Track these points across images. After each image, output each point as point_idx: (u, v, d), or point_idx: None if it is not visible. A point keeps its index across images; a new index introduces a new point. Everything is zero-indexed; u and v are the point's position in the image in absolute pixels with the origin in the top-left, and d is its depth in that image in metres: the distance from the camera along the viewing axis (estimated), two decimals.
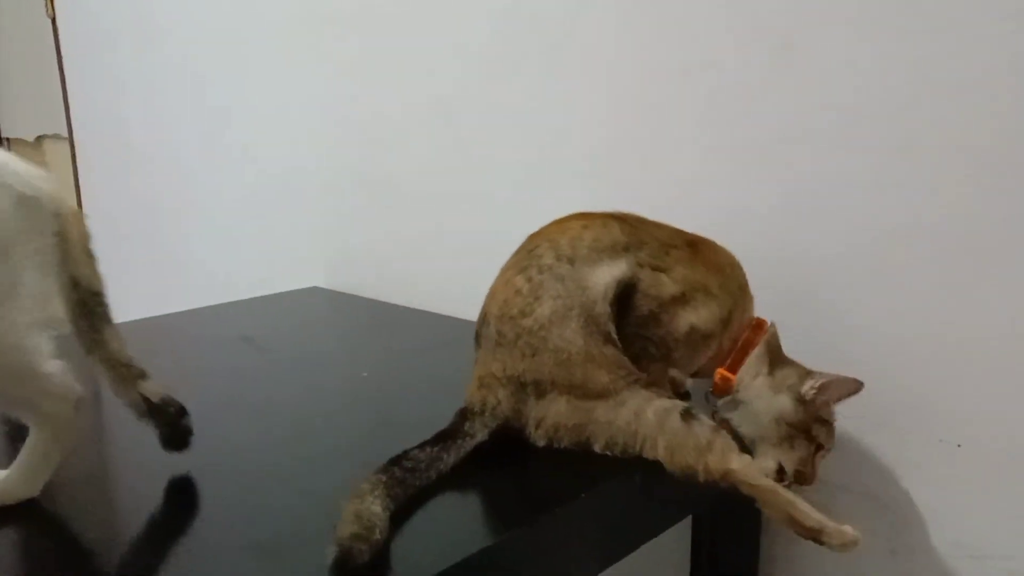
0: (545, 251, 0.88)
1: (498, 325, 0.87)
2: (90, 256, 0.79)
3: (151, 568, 0.68)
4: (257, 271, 1.95)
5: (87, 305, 0.78)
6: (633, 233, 0.89)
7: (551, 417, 0.85)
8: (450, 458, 0.81)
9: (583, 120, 1.24)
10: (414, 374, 1.17)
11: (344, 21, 1.60)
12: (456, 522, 0.75)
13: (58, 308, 0.75)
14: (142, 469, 0.87)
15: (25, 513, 0.75)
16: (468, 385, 0.88)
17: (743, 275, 0.91)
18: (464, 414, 0.86)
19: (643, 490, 0.83)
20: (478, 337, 0.90)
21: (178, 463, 0.85)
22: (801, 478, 0.86)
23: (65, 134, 2.91)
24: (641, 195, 1.16)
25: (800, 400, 0.87)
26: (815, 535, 0.76)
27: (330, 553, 0.65)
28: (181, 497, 0.81)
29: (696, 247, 0.90)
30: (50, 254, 0.75)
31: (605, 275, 0.86)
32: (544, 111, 1.28)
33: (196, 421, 0.85)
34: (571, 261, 0.86)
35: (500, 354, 0.86)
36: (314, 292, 1.71)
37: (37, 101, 3.16)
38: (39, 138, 3.19)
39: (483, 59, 1.36)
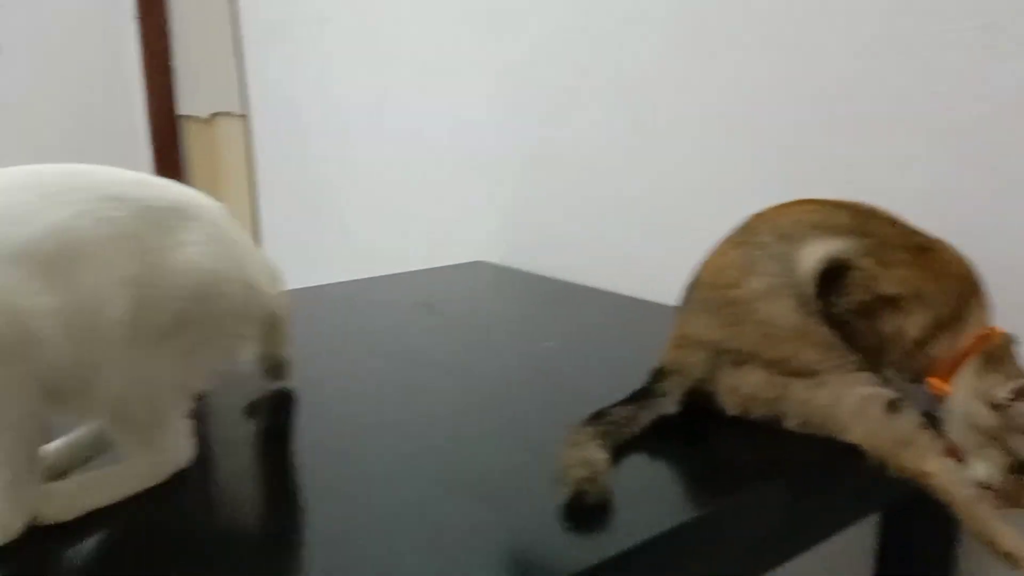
0: (764, 231, 0.89)
1: (706, 291, 0.89)
2: (285, 335, 0.91)
3: (395, 516, 0.72)
4: (421, 244, 2.02)
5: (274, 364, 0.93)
6: (861, 223, 0.88)
7: (746, 387, 0.86)
8: (645, 416, 0.84)
9: (782, 100, 1.22)
10: (594, 345, 1.19)
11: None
12: (644, 495, 0.75)
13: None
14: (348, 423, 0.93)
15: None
16: (666, 343, 0.91)
17: (974, 285, 0.87)
18: (659, 374, 0.88)
19: (833, 477, 0.82)
20: (683, 301, 0.92)
21: (395, 415, 0.90)
22: (1001, 495, 0.81)
23: (239, 111, 3.08)
24: (846, 177, 1.13)
25: (995, 406, 0.82)
26: (1013, 562, 0.73)
27: (562, 494, 0.69)
28: (406, 445, 0.86)
29: (926, 252, 0.87)
30: (243, 338, 0.83)
31: (818, 250, 0.85)
32: (737, 89, 1.27)
33: (396, 378, 0.90)
34: (788, 241, 0.86)
35: (703, 318, 0.88)
36: (480, 266, 1.75)
37: (212, 79, 3.35)
38: (213, 115, 3.38)
39: (672, 34, 1.36)
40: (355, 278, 1.62)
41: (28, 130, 3.46)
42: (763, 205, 0.93)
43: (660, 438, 0.83)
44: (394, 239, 2.13)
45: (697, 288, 0.91)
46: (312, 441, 0.87)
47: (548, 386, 1.03)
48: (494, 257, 1.79)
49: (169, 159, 3.71)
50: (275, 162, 2.71)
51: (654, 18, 1.37)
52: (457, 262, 1.78)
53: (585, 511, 0.69)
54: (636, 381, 0.88)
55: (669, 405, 0.87)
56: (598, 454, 0.74)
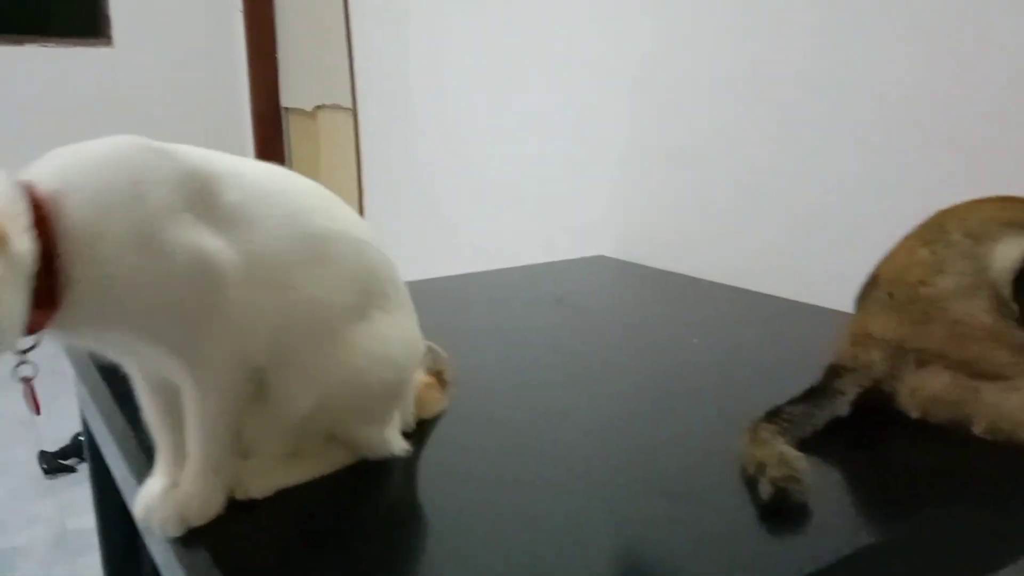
0: (954, 228, 0.85)
1: (891, 288, 0.86)
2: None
3: (588, 512, 0.71)
4: (538, 238, 2.01)
5: None
6: None
7: (930, 389, 0.82)
8: (822, 415, 0.81)
9: (946, 93, 1.18)
10: (738, 342, 1.17)
11: None
12: (834, 502, 0.72)
13: None
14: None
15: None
16: (839, 342, 0.88)
17: None
18: (834, 371, 0.86)
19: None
20: (861, 298, 0.89)
21: (560, 412, 0.89)
22: None
23: (344, 104, 3.13)
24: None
25: None
26: None
27: (764, 492, 0.67)
28: (579, 444, 0.85)
29: None
30: None
31: (1012, 249, 0.81)
32: (893, 82, 1.22)
33: (549, 374, 0.89)
34: (980, 239, 0.83)
35: (885, 316, 0.85)
36: (601, 260, 1.74)
37: (316, 73, 3.41)
38: (316, 108, 3.45)
39: (809, 25, 1.32)
40: (462, 272, 1.62)
41: (135, 121, 3.57)
42: (915, 205, 0.90)
43: (837, 439, 0.81)
44: (505, 232, 2.13)
45: (878, 285, 0.88)
46: (481, 434, 0.87)
47: (706, 383, 1.01)
48: (613, 251, 1.77)
49: (272, 150, 3.79)
50: (382, 155, 2.73)
51: (799, 13, 1.34)
52: (574, 256, 1.77)
53: (787, 510, 0.67)
54: (792, 379, 0.85)
55: (845, 404, 0.84)
56: (792, 452, 0.72)
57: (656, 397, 0.97)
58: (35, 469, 1.96)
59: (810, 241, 1.35)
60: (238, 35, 3.68)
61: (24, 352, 0.61)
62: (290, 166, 3.78)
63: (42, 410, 0.65)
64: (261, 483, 0.71)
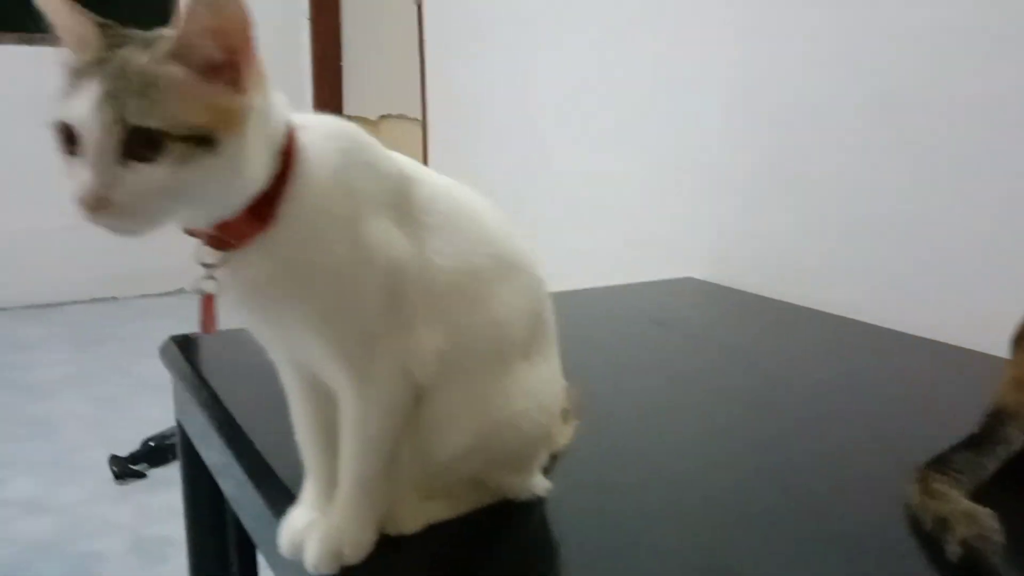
0: None
1: None
2: None
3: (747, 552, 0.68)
4: (623, 257, 1.97)
5: None
6: None
7: None
8: (990, 465, 0.77)
9: None
10: (864, 378, 1.12)
11: (769, 6, 1.56)
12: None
13: None
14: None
15: None
16: (999, 385, 0.83)
17: None
18: (998, 417, 0.80)
19: None
20: (1021, 338, 0.84)
21: (698, 444, 0.85)
22: None
23: (410, 115, 3.12)
24: None
25: None
26: None
27: (952, 553, 0.64)
28: (715, 472, 0.81)
29: None
30: None
31: None
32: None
33: (676, 403, 0.85)
34: None
35: None
36: (691, 282, 1.69)
37: (382, 83, 3.41)
38: (381, 117, 3.45)
39: (939, 44, 1.27)
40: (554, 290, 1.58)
41: None
42: None
43: (1007, 490, 0.76)
44: (588, 250, 2.09)
45: None
46: (612, 467, 0.83)
47: (845, 421, 0.97)
48: (701, 273, 1.72)
49: None
50: (452, 167, 2.71)
51: (930, 31, 1.29)
52: (659, 277, 1.72)
53: (979, 573, 0.63)
54: (938, 422, 0.82)
55: (1011, 452, 0.79)
56: (979, 507, 0.68)
57: (793, 433, 0.93)
58: (105, 473, 1.96)
59: (942, 276, 1.29)
60: (304, 43, 3.70)
61: (209, 267, 0.58)
62: None
63: (215, 327, 0.61)
64: (412, 518, 0.68)
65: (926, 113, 1.30)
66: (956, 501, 0.69)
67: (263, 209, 0.56)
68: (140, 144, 0.50)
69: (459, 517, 0.69)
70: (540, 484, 0.73)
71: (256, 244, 0.57)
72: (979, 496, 0.73)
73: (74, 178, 0.51)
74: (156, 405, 2.37)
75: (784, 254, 1.57)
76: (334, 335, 0.59)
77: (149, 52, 0.52)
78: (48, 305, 3.40)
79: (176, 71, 0.52)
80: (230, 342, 1.23)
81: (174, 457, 2.04)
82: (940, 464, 0.75)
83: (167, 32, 0.54)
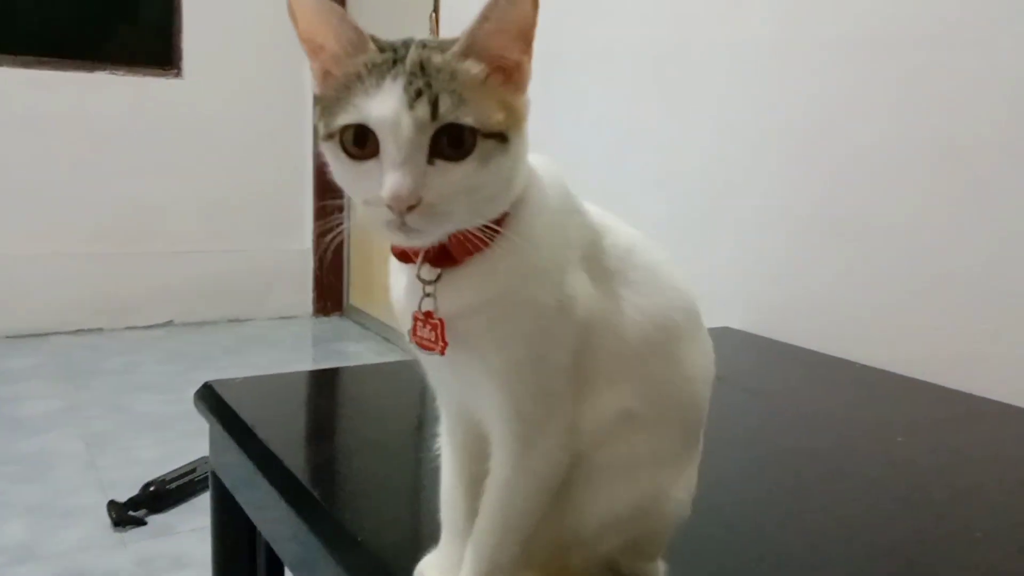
0: None
1: None
2: None
3: None
4: None
5: None
6: None
7: None
8: None
9: None
10: (940, 440, 1.07)
11: (825, 47, 1.53)
12: None
13: None
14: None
15: None
16: None
17: None
18: None
19: None
20: None
21: (791, 511, 0.79)
22: None
23: None
24: None
25: None
26: None
27: None
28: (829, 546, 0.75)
29: None
30: None
31: None
32: None
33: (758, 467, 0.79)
34: None
35: None
36: (730, 333, 1.64)
37: None
38: None
39: (1007, 86, 1.24)
40: None
41: (202, 152, 3.52)
42: None
43: None
44: None
45: None
46: (720, 540, 0.77)
47: (933, 489, 0.91)
48: (738, 323, 1.67)
49: (331, 187, 3.72)
50: None
51: (997, 71, 1.26)
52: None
53: None
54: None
55: None
56: None
57: (886, 504, 0.87)
58: (101, 517, 1.85)
59: (1006, 334, 1.25)
60: (307, 73, 3.64)
61: (429, 283, 0.55)
62: (349, 206, 3.71)
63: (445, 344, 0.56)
64: None
65: (992, 163, 1.27)
66: None
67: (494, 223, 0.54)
68: (450, 142, 0.50)
69: None
70: (662, 570, 0.67)
71: (474, 263, 0.54)
72: None
73: (366, 180, 0.51)
74: (151, 445, 2.26)
75: (829, 305, 1.52)
76: (517, 388, 0.55)
77: (440, 51, 0.52)
78: (31, 335, 3.28)
79: (476, 68, 0.52)
80: (258, 386, 1.18)
81: (177, 503, 1.94)
82: None
83: (434, 38, 0.54)
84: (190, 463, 2.00)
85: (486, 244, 0.53)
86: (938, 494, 0.91)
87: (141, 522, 1.86)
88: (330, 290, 3.83)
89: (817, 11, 1.54)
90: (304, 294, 3.82)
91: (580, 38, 2.09)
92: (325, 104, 0.53)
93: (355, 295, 3.82)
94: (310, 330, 3.72)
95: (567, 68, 2.13)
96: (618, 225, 0.63)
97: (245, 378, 1.15)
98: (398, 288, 0.59)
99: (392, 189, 0.49)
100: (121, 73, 3.33)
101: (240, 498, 1.01)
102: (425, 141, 0.50)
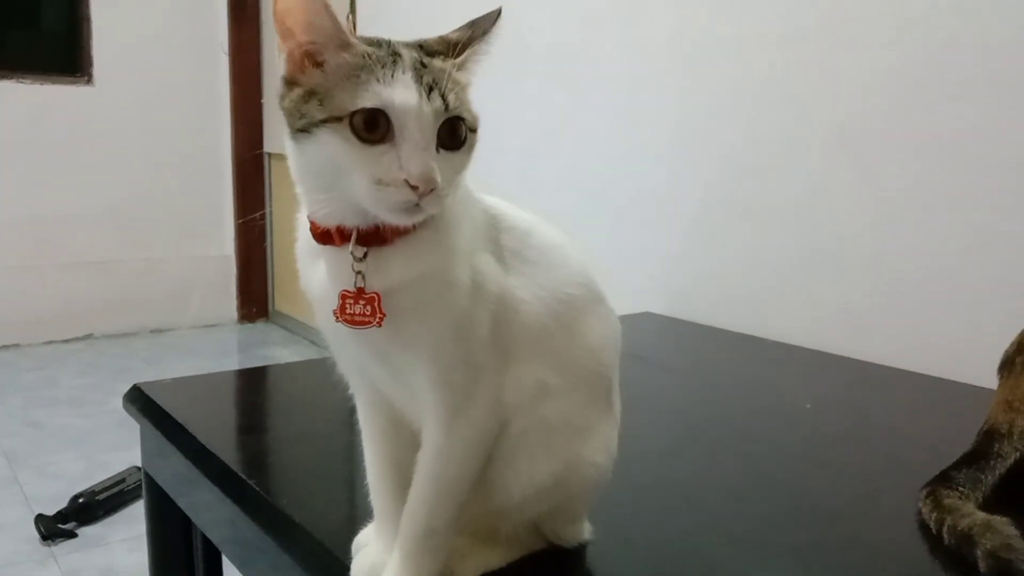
0: None
1: None
2: None
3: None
4: None
5: None
6: None
7: None
8: (989, 480, 0.81)
9: None
10: (845, 408, 1.15)
11: (720, 43, 1.60)
12: None
13: None
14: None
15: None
16: (992, 406, 0.87)
17: None
18: (990, 435, 0.85)
19: None
20: (1010, 363, 0.88)
21: (706, 479, 0.85)
22: None
23: None
24: None
25: None
26: None
27: (983, 564, 0.67)
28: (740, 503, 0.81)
29: None
30: None
31: None
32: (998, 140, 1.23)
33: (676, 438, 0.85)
34: None
35: None
36: (650, 317, 1.70)
37: None
38: None
39: (901, 84, 1.33)
40: None
41: (114, 160, 3.45)
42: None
43: (1004, 501, 0.78)
44: None
45: None
46: (635, 501, 0.82)
47: (834, 449, 0.99)
48: (660, 308, 1.74)
49: (252, 194, 3.70)
50: None
51: (878, 74, 1.35)
52: (620, 313, 1.73)
53: None
54: (928, 449, 0.87)
55: (1006, 466, 0.82)
56: (995, 517, 0.71)
57: (796, 464, 0.94)
58: (27, 532, 1.81)
59: (897, 304, 1.34)
60: (223, 78, 3.60)
61: (360, 260, 0.58)
62: (270, 211, 3.68)
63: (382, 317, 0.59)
64: (467, 566, 0.64)
65: (879, 150, 1.36)
66: (971, 514, 0.73)
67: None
68: (449, 134, 0.56)
69: (509, 565, 0.67)
70: (587, 530, 0.72)
71: (402, 243, 0.58)
72: (983, 509, 0.76)
73: (378, 163, 0.53)
74: (73, 459, 2.22)
75: (734, 286, 1.60)
76: (443, 359, 0.58)
77: (442, 59, 0.58)
78: None
79: (464, 78, 0.59)
80: (188, 387, 1.18)
81: (107, 514, 1.91)
82: (945, 481, 0.80)
83: (432, 40, 0.60)
84: (119, 473, 1.97)
85: (413, 226, 0.57)
86: (842, 453, 0.98)
87: (71, 534, 1.83)
88: (254, 296, 3.79)
89: (711, 10, 1.62)
90: (227, 301, 3.77)
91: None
92: (318, 90, 0.55)
93: (280, 300, 3.79)
94: (235, 337, 3.68)
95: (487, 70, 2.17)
96: (515, 211, 0.68)
97: (175, 379, 1.16)
98: (315, 272, 0.62)
99: (422, 171, 0.53)
100: (28, 81, 3.24)
101: (176, 496, 1.02)
102: (434, 131, 0.54)
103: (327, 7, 0.55)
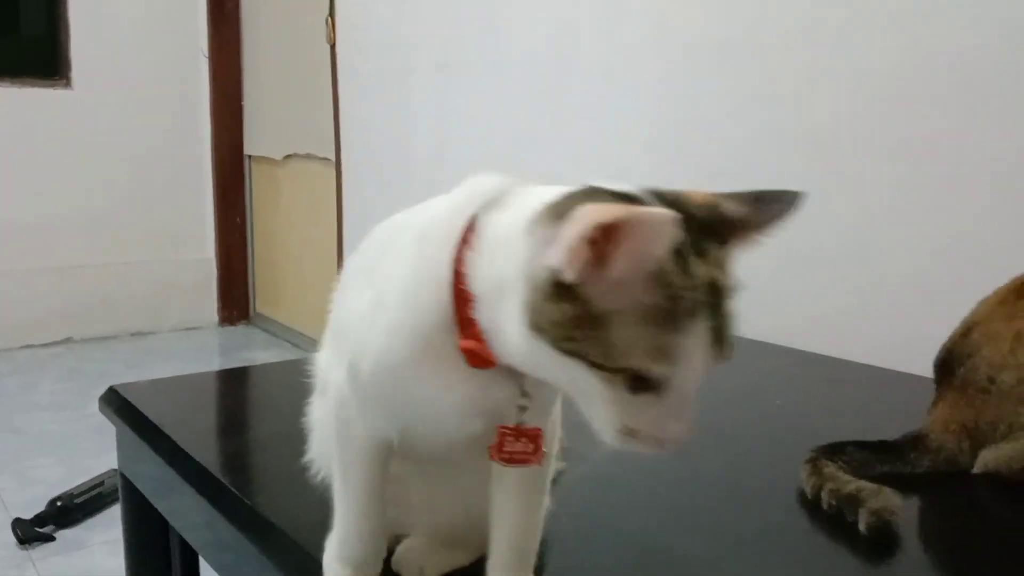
0: None
1: (993, 372, 0.84)
2: None
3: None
4: None
5: None
6: None
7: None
8: (879, 469, 0.83)
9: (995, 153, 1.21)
10: (818, 405, 1.16)
11: (697, 48, 1.62)
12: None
13: None
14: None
15: None
16: (931, 414, 0.88)
17: None
18: (917, 442, 0.86)
19: None
20: (949, 371, 0.88)
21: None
22: None
23: (318, 154, 3.07)
24: None
25: None
26: None
27: (864, 523, 0.71)
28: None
29: None
30: None
31: None
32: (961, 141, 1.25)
33: None
34: None
35: (983, 401, 0.84)
36: None
37: (288, 121, 3.35)
38: (287, 157, 3.37)
39: (878, 87, 1.35)
40: None
41: (93, 164, 3.43)
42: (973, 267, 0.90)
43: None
44: None
45: (979, 367, 0.85)
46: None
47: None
48: None
49: (233, 197, 3.70)
50: (369, 208, 2.68)
51: (854, 76, 1.37)
52: None
53: (892, 537, 0.70)
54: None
55: (908, 471, 0.85)
56: (889, 489, 0.74)
57: (774, 447, 0.95)
58: (6, 538, 1.80)
59: (865, 304, 1.36)
60: (203, 82, 3.59)
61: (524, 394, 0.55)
62: (251, 215, 3.68)
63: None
64: (434, 566, 0.66)
65: (856, 154, 1.38)
66: (857, 480, 0.76)
67: None
68: None
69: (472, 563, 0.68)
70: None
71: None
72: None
73: (635, 415, 0.47)
74: (52, 464, 2.21)
75: None
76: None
77: (717, 245, 0.49)
78: None
79: None
80: (165, 388, 1.18)
81: (85, 517, 1.90)
82: (832, 452, 0.83)
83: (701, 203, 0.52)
84: (97, 476, 1.96)
85: None
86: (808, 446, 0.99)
87: (49, 538, 1.82)
88: (235, 299, 3.78)
89: (689, 15, 1.63)
90: (208, 304, 3.76)
91: (474, 49, 2.15)
92: (598, 321, 0.46)
93: (261, 303, 3.78)
94: (216, 340, 3.67)
95: (462, 78, 2.18)
96: None
97: (151, 381, 1.16)
98: (450, 392, 0.55)
99: (682, 433, 0.48)
100: (5, 85, 3.22)
101: (152, 498, 1.02)
102: None
103: None
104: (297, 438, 1.01)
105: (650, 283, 0.44)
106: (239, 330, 3.77)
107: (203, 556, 0.95)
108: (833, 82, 1.40)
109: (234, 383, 1.34)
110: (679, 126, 1.68)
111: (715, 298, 0.46)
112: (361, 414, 0.59)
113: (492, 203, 0.55)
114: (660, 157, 1.72)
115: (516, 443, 0.54)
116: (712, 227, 0.49)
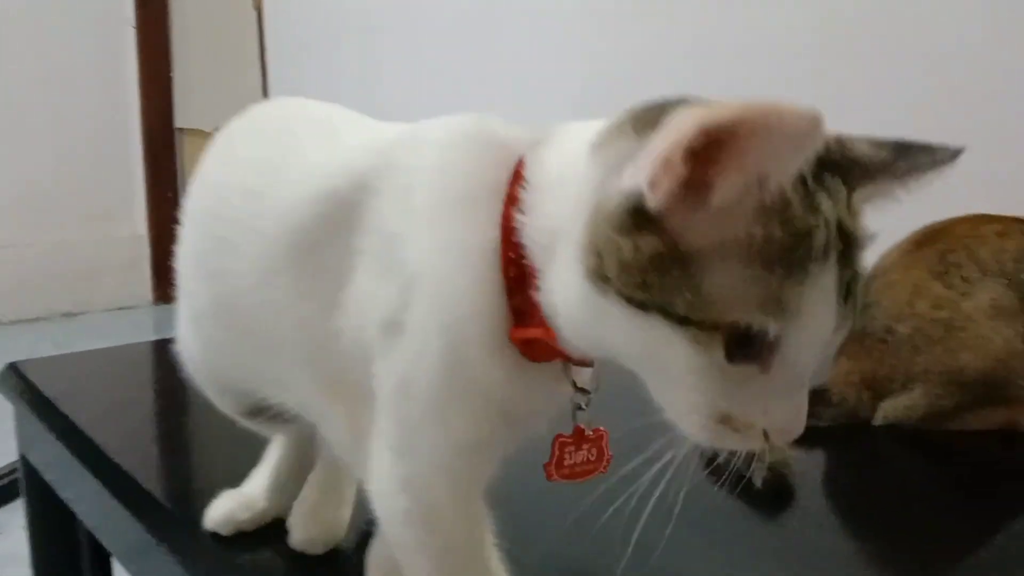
0: (964, 261, 0.84)
1: (891, 322, 0.84)
2: None
3: None
4: None
5: None
6: None
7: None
8: None
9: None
10: None
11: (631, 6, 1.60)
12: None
13: None
14: None
15: None
16: (834, 367, 0.87)
17: None
18: (819, 396, 0.85)
19: None
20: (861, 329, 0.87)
21: None
22: None
23: None
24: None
25: None
26: None
27: (759, 474, 0.71)
28: None
29: None
30: None
31: None
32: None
33: None
34: (1001, 277, 0.82)
35: (882, 352, 0.84)
36: None
37: (218, 92, 3.27)
38: (218, 129, 3.29)
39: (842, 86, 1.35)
40: None
41: (14, 134, 3.31)
42: None
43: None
44: None
45: (876, 317, 0.85)
46: None
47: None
48: None
49: (163, 169, 3.61)
50: None
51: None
52: None
53: (782, 493, 0.71)
54: None
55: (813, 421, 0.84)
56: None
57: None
58: None
59: None
60: (129, 52, 3.48)
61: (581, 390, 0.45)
62: (183, 186, 3.59)
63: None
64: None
65: None
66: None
67: None
68: None
69: None
70: None
71: None
72: None
73: (734, 395, 0.37)
74: None
75: None
76: None
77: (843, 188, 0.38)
78: None
79: None
80: (70, 364, 1.15)
81: (3, 503, 1.85)
82: None
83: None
84: (14, 462, 1.91)
85: None
86: None
87: None
88: (170, 276, 3.65)
89: None
90: (142, 282, 3.67)
91: (401, 10, 2.11)
92: (693, 264, 0.36)
93: None
94: (151, 318, 3.59)
95: (389, 39, 2.15)
96: None
97: (54, 356, 1.12)
98: (521, 391, 0.44)
99: (793, 425, 0.39)
100: None
101: (55, 486, 0.99)
102: None
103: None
104: (206, 413, 0.99)
105: (767, 212, 0.34)
106: (173, 308, 3.69)
107: (105, 545, 0.92)
108: (772, 40, 1.39)
109: (148, 357, 1.30)
110: (609, 89, 1.66)
111: (846, 245, 0.36)
112: (453, 486, 0.45)
113: (535, 142, 0.43)
114: (591, 116, 1.70)
115: (578, 453, 0.46)
116: (839, 167, 0.37)
